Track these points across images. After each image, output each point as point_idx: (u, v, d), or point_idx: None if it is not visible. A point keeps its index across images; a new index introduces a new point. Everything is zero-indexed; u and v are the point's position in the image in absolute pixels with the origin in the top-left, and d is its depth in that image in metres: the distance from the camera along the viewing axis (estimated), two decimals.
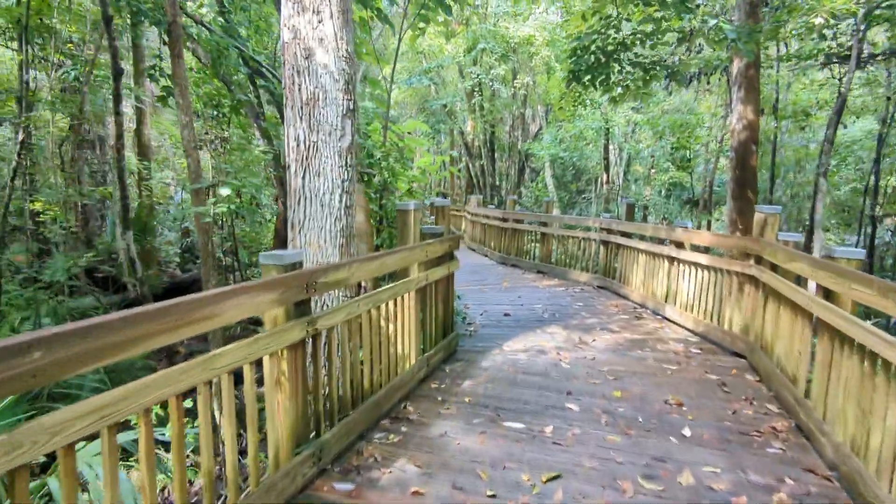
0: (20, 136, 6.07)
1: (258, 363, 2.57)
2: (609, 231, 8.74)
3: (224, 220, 9.09)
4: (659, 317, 6.79)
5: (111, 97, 10.39)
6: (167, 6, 4.46)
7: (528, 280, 9.66)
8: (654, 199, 13.67)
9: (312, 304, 3.74)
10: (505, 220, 11.81)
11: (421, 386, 4.32)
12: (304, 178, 3.70)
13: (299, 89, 3.65)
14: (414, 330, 4.21)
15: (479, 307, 7.32)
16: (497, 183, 21.96)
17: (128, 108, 11.89)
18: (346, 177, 3.78)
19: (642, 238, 7.94)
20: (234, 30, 6.03)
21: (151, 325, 1.85)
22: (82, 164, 11.92)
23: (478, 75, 16.40)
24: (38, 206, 7.30)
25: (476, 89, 17.70)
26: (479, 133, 20.69)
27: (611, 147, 13.76)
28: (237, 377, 2.40)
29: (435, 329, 4.76)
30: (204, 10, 6.61)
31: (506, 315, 6.86)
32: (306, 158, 3.68)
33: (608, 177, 13.50)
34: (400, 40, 7.92)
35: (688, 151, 12.05)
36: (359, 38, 8.71)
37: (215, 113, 8.42)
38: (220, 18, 6.09)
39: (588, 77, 6.78)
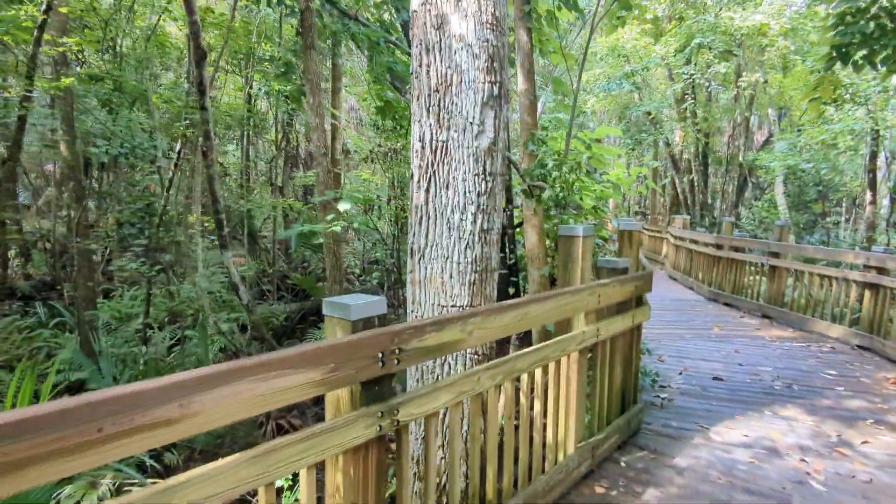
0: (177, 147, 6.40)
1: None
2: (881, 270, 6.23)
3: (397, 232, 8.79)
4: None
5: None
6: None
7: (749, 327, 7.47)
8: None
9: (431, 363, 2.77)
10: (719, 246, 9.57)
11: (580, 488, 3.03)
12: (428, 190, 2.75)
13: (427, 72, 2.72)
14: (573, 406, 2.96)
15: (678, 362, 5.63)
16: (709, 201, 18.87)
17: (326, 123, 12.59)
18: (483, 189, 2.73)
19: None
20: (396, 26, 5.47)
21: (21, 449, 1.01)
22: (286, 179, 12.98)
23: (691, 75, 14.01)
24: (192, 217, 7.73)
25: (688, 93, 15.22)
26: (690, 144, 17.97)
27: (881, 156, 10.34)
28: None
29: (608, 403, 3.43)
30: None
31: (716, 379, 5.09)
32: (432, 164, 2.73)
33: (874, 196, 10.10)
34: (592, 31, 6.66)
35: None
36: (545, 34, 7.67)
37: (394, 125, 8.15)
38: (379, 11, 5.57)
39: (863, 53, 4.71)
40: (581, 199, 7.09)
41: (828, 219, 14.10)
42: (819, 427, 3.98)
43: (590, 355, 3.24)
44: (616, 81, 13.50)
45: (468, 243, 2.72)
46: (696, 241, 10.81)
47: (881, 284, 6.19)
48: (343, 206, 3.91)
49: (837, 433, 3.87)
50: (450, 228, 2.72)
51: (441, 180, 2.72)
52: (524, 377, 2.58)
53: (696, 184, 18.29)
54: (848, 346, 6.48)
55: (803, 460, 3.45)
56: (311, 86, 4.39)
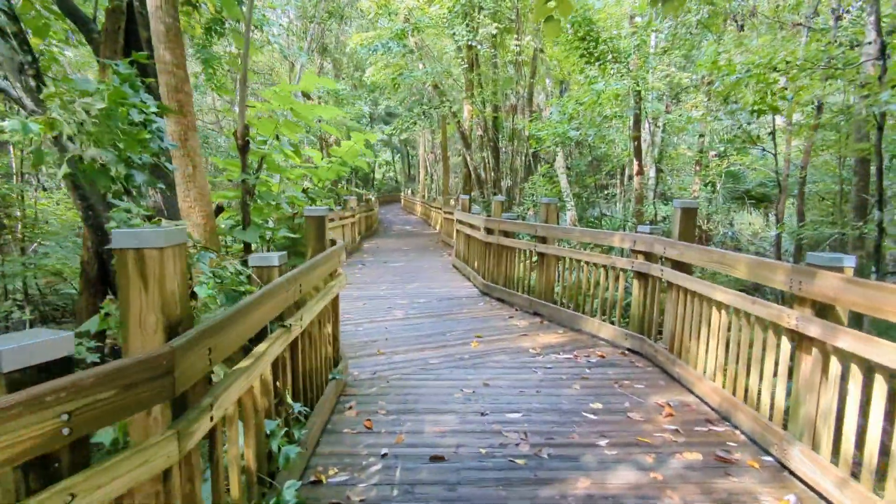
0: None
1: None
2: (649, 256, 5.03)
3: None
4: (771, 462, 3.10)
5: None
6: None
7: (516, 333, 5.97)
8: (705, 195, 9.81)
9: None
10: (489, 231, 8.12)
11: None
12: None
13: None
14: None
15: (394, 427, 3.66)
16: (504, 180, 18.19)
17: None
18: None
19: (701, 275, 4.23)
20: None
21: None
22: None
23: (464, 36, 12.61)
24: None
25: (461, 57, 13.83)
26: (479, 119, 16.95)
27: (644, 123, 9.88)
28: None
29: None
30: None
31: (435, 460, 3.19)
32: None
33: (640, 166, 9.58)
34: None
35: (773, 120, 8.15)
36: None
37: None
38: None
39: None
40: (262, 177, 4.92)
41: (606, 192, 13.96)
42: None
43: None
44: (383, 42, 11.54)
45: None
46: (473, 226, 9.34)
47: (650, 274, 4.98)
48: None
49: None
50: None
51: None
52: None
53: (486, 161, 17.41)
54: (619, 350, 5.25)
55: None
56: None
